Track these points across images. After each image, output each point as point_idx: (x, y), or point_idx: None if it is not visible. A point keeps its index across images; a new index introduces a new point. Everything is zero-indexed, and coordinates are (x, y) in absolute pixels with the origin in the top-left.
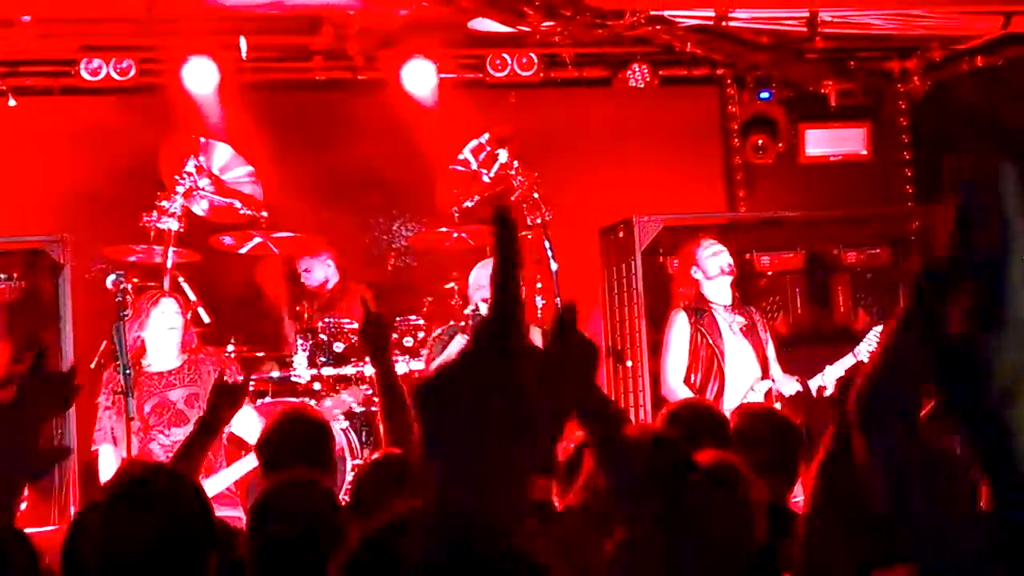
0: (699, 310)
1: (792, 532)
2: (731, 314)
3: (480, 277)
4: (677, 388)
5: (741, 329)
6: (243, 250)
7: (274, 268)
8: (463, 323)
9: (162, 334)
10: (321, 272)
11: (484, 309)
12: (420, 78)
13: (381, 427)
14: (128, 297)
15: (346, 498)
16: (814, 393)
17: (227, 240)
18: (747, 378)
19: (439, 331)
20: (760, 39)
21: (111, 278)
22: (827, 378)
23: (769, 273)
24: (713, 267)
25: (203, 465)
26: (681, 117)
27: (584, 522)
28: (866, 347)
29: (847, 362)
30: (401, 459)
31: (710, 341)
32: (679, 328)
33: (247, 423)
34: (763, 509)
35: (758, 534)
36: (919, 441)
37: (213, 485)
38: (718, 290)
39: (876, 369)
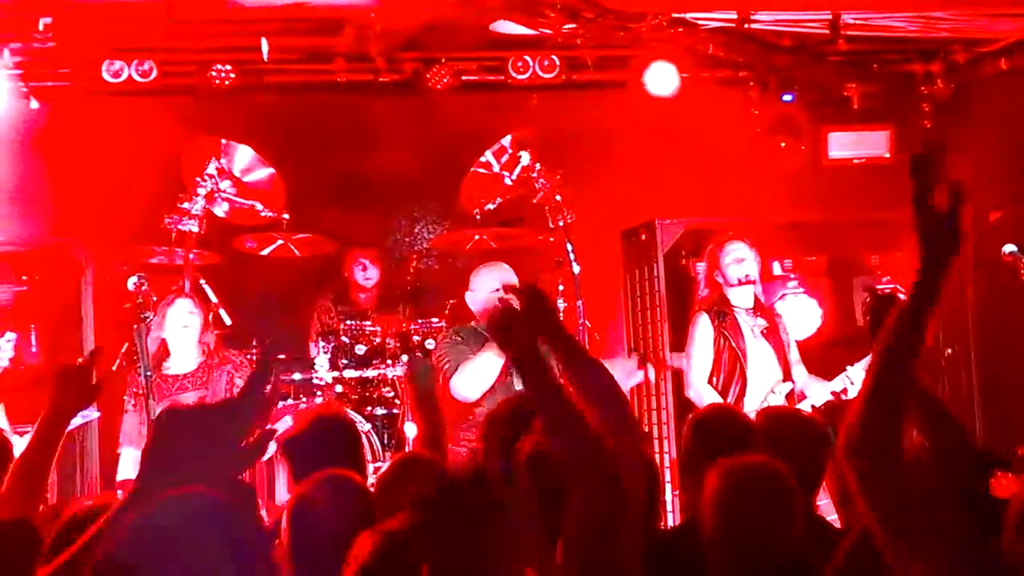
0: (721, 312)
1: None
2: (752, 317)
3: (487, 280)
4: (703, 390)
5: (763, 332)
6: (265, 252)
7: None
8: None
9: (177, 333)
10: (375, 271)
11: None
12: (442, 81)
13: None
14: (152, 299)
15: None
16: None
17: (250, 243)
18: (768, 380)
19: (446, 333)
20: (782, 41)
21: (132, 280)
22: (852, 375)
23: (792, 276)
24: (732, 275)
25: None
26: (704, 119)
27: None
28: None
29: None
30: (421, 459)
31: (732, 344)
32: (702, 330)
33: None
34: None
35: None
36: (905, 470)
37: None
38: (738, 295)
39: (863, 403)
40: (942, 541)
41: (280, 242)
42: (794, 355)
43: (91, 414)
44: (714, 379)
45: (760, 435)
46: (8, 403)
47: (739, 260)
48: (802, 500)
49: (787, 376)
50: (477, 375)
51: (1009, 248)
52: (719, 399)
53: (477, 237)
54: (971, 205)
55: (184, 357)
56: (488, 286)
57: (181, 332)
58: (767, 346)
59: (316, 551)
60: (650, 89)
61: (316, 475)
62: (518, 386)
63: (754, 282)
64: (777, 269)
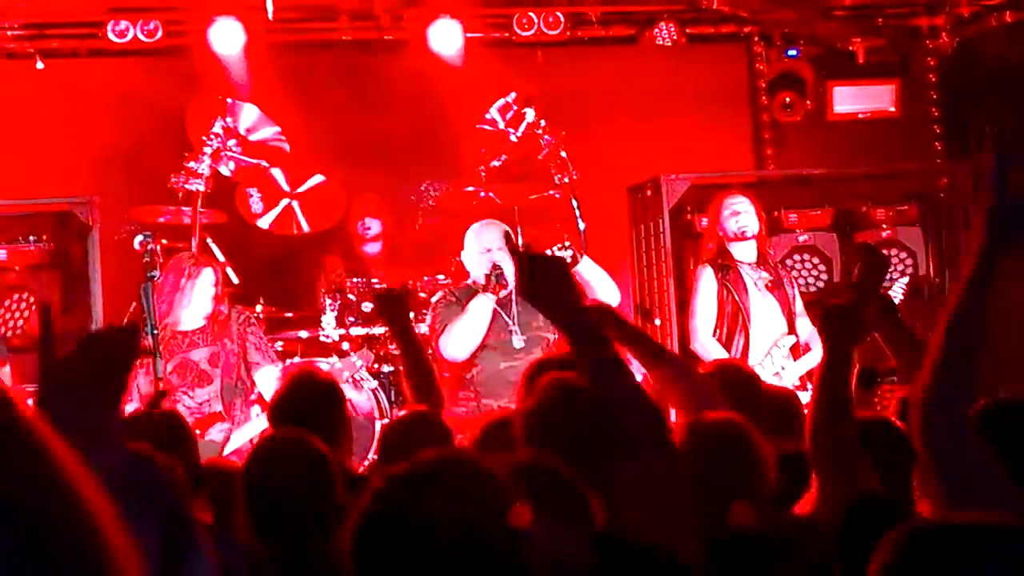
0: (725, 266)
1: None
2: (756, 270)
3: (484, 238)
4: (708, 343)
5: (767, 285)
6: (268, 218)
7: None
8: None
9: (202, 303)
10: (375, 223)
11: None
12: (447, 37)
13: (405, 387)
14: (158, 259)
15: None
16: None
17: (256, 205)
18: (772, 334)
19: (440, 295)
20: None
21: (138, 239)
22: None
23: (797, 231)
24: (729, 229)
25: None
26: (708, 75)
27: None
28: (895, 295)
29: None
30: (425, 416)
31: (736, 297)
32: (706, 283)
33: (272, 383)
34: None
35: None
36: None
37: (237, 438)
38: (740, 248)
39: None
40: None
41: (285, 202)
42: (799, 308)
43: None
44: (718, 332)
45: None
46: (13, 363)
47: (736, 214)
48: (769, 451)
49: (791, 329)
50: (463, 333)
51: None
52: (724, 353)
53: (483, 194)
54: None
55: (195, 315)
56: (480, 246)
57: (208, 303)
58: (771, 299)
59: (269, 509)
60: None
61: (264, 434)
62: (518, 345)
63: (751, 237)
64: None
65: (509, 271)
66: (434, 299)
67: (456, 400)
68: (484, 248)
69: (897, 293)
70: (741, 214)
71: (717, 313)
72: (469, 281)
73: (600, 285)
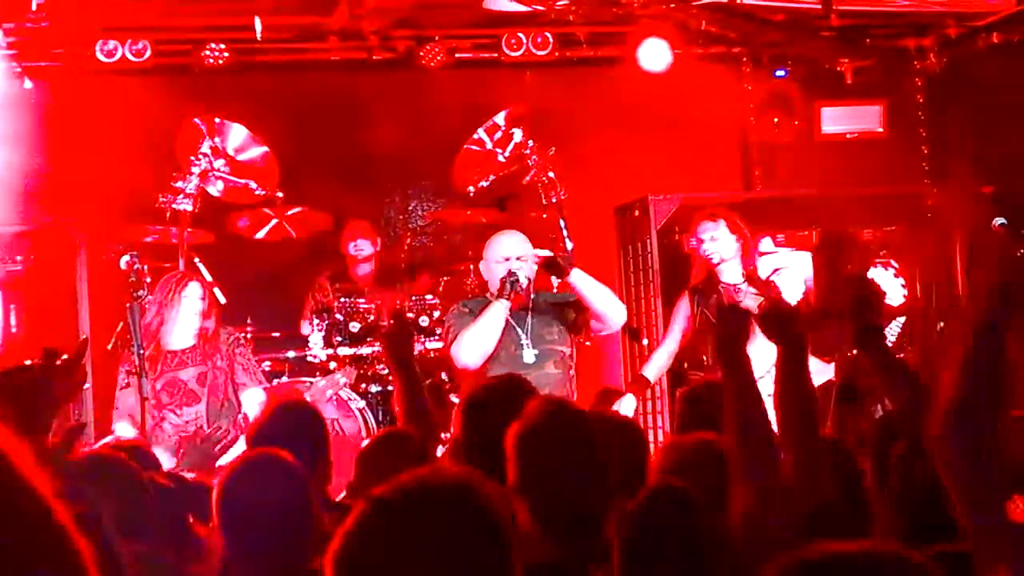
0: (703, 292)
1: None
2: (741, 293)
3: (503, 247)
4: (653, 358)
5: (757, 306)
6: (260, 235)
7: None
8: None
9: (188, 318)
10: (367, 244)
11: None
12: (436, 58)
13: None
14: (144, 278)
15: None
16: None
17: (242, 222)
18: (763, 354)
19: (454, 307)
20: (775, 17)
21: (125, 258)
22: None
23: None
24: (718, 251)
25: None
26: (697, 96)
27: None
28: (889, 335)
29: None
30: (402, 435)
31: (712, 322)
32: (678, 311)
33: (257, 404)
34: None
35: None
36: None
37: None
38: (726, 270)
39: (961, 389)
40: None
41: (275, 222)
42: None
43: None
44: (705, 359)
45: None
46: None
47: (709, 240)
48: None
49: None
50: (476, 338)
51: (999, 221)
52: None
53: (469, 213)
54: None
55: (183, 335)
56: (499, 254)
57: (193, 317)
58: None
59: (243, 530)
60: (644, 65)
61: (243, 455)
62: (528, 359)
63: (720, 263)
64: (768, 244)
65: (524, 278)
66: (451, 310)
67: None
68: (502, 257)
69: (892, 334)
70: (706, 241)
71: (692, 340)
72: (487, 295)
73: (594, 294)
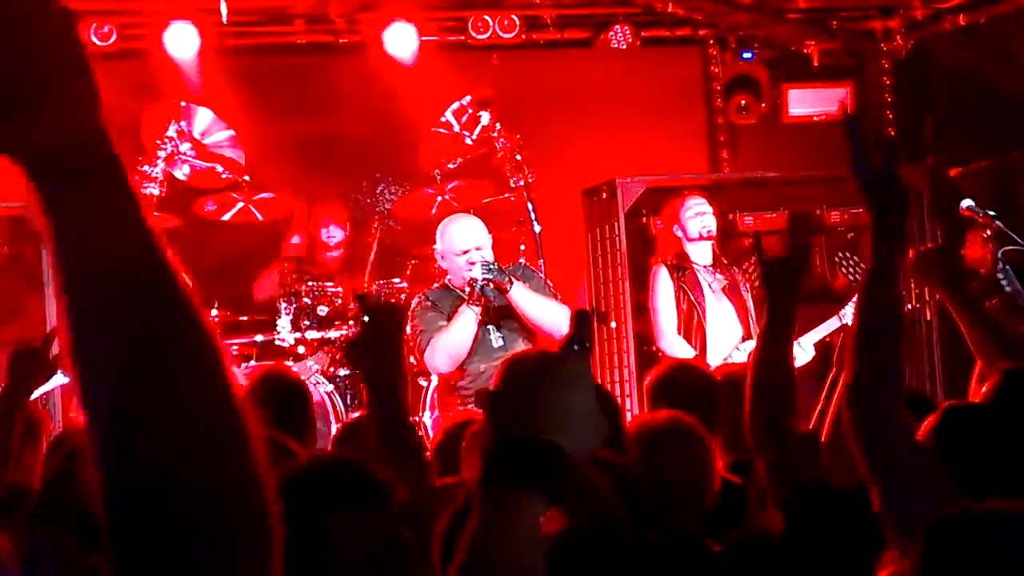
0: (680, 267)
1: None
2: (711, 274)
3: (460, 238)
4: (675, 341)
5: (723, 289)
6: (226, 217)
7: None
8: (448, 283)
9: None
10: (338, 230)
11: (477, 273)
12: (401, 41)
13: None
14: None
15: None
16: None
17: (210, 206)
18: (729, 337)
19: (416, 301)
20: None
21: None
22: (803, 345)
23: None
24: (693, 229)
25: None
26: (663, 78)
27: None
28: (851, 310)
29: (831, 325)
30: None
31: (692, 299)
32: (663, 283)
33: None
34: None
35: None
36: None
37: None
38: (698, 250)
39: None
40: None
41: (240, 205)
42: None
43: (59, 380)
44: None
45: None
46: None
47: (700, 214)
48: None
49: (748, 334)
50: (448, 348)
51: (967, 203)
52: (691, 351)
53: (440, 199)
54: (928, 161)
55: None
56: (456, 246)
57: None
58: (727, 303)
59: None
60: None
61: None
62: (496, 343)
63: (714, 238)
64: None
65: (491, 286)
66: (412, 306)
67: (454, 408)
68: (460, 249)
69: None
70: (705, 215)
71: (676, 312)
72: (445, 280)
73: (536, 310)
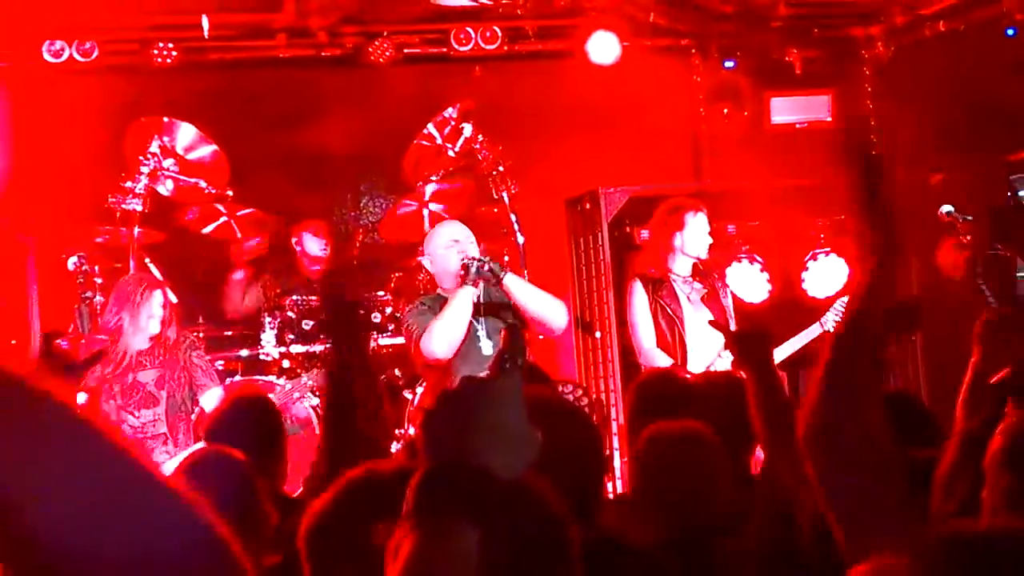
0: (656, 280)
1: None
2: (688, 284)
3: (447, 233)
4: (654, 354)
5: (701, 298)
6: (207, 229)
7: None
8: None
9: (149, 326)
10: (323, 248)
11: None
12: (384, 54)
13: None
14: (95, 279)
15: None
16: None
17: (192, 215)
18: (710, 346)
19: (412, 305)
20: (724, 8)
21: (72, 260)
22: (782, 353)
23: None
24: (697, 247)
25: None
26: (646, 88)
27: None
28: (832, 316)
29: (813, 331)
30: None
31: (669, 311)
32: (639, 297)
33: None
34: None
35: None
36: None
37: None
38: (680, 262)
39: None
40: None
41: (224, 219)
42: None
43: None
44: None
45: (699, 396)
46: None
47: (697, 231)
48: (727, 461)
49: None
50: (446, 326)
51: (946, 208)
52: (670, 361)
53: (425, 212)
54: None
55: (143, 339)
56: (446, 239)
57: (153, 324)
58: (705, 311)
59: None
60: (592, 58)
61: (193, 452)
62: (487, 352)
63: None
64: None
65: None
66: (407, 310)
67: None
68: (451, 240)
69: (834, 317)
70: (699, 233)
71: (653, 326)
72: (438, 290)
73: (530, 299)
